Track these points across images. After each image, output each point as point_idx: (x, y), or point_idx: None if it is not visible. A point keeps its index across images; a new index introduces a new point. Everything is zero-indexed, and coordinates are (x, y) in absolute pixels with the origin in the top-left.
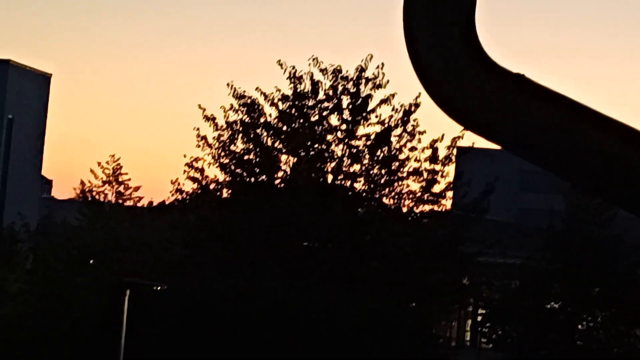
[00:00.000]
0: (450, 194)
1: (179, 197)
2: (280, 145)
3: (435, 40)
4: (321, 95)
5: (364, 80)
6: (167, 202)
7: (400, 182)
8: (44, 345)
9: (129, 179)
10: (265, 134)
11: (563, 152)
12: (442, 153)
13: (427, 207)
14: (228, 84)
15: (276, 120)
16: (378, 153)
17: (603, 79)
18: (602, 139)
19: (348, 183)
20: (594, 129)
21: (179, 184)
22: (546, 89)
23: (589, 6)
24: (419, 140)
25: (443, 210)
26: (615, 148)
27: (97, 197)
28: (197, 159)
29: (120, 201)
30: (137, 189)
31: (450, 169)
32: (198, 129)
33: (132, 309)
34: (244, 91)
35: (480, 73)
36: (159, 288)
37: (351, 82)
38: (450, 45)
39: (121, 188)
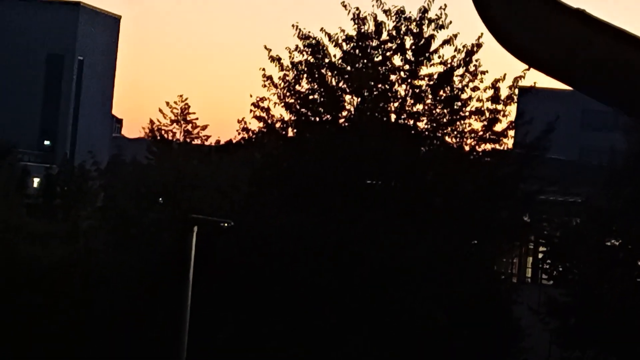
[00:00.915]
0: (512, 133)
1: (245, 135)
2: (344, 85)
3: None
4: (384, 36)
5: (426, 21)
6: (233, 141)
7: (462, 121)
8: (114, 281)
9: (197, 118)
10: (329, 74)
11: (625, 85)
12: (504, 93)
13: (489, 146)
14: (293, 25)
15: (340, 60)
16: (441, 93)
17: None
18: None
19: (411, 122)
20: None
21: (245, 123)
22: (607, 24)
23: None
24: (481, 80)
25: (505, 149)
26: None
27: (165, 136)
28: (262, 99)
29: (188, 140)
30: (204, 127)
31: (512, 109)
32: (264, 70)
33: (199, 245)
34: (309, 32)
35: (541, 9)
36: (226, 225)
37: (414, 23)
38: None
39: (189, 127)
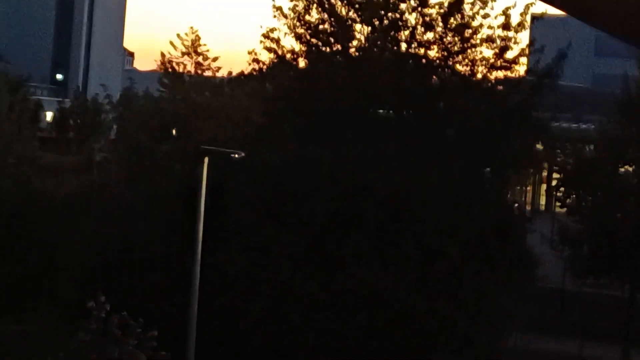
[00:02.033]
0: (523, 60)
1: (257, 67)
2: (355, 15)
3: None
4: None
5: None
6: (245, 73)
7: (473, 50)
8: (127, 211)
9: (208, 50)
10: (339, 3)
11: (632, 13)
12: (515, 20)
13: (500, 74)
14: None
15: None
16: (451, 21)
17: None
18: None
19: (422, 51)
20: None
21: (255, 55)
22: None
23: None
24: (492, 8)
25: (517, 76)
26: None
27: (177, 68)
28: (273, 30)
29: (200, 72)
30: (215, 59)
31: (524, 36)
32: (274, 0)
33: (211, 177)
34: None
35: None
36: (236, 155)
37: None
38: None
39: (200, 59)
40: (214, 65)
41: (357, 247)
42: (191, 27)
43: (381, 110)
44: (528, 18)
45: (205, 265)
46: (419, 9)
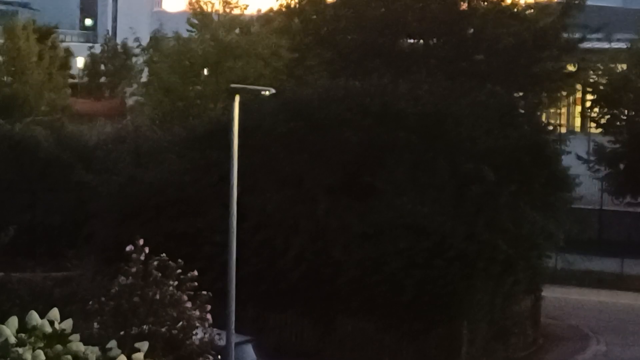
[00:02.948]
0: None
1: (283, 3)
2: None
3: None
4: None
5: None
6: (273, 10)
7: None
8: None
9: None
10: None
11: None
12: None
13: None
14: None
15: None
16: None
17: None
18: None
19: None
20: None
21: None
22: None
23: None
24: None
25: (545, 0)
26: None
27: (204, 7)
28: None
29: (228, 10)
30: None
31: None
32: None
33: (242, 115)
34: None
35: None
36: (267, 92)
37: None
38: None
39: None
40: (241, 2)
41: (392, 176)
42: None
43: (409, 39)
44: None
45: (241, 204)
46: None
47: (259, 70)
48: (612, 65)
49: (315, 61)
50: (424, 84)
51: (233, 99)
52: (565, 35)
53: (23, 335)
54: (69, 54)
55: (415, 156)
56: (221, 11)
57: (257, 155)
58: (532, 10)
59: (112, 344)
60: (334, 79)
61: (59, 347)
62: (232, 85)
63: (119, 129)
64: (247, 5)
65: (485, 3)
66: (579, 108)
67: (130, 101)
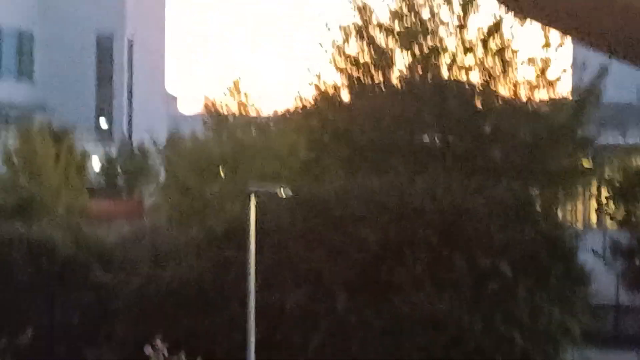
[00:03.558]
0: (566, 78)
1: (300, 104)
2: (394, 43)
3: None
4: None
5: None
6: (289, 110)
7: (515, 72)
8: (179, 255)
9: (251, 90)
10: (378, 34)
11: (608, 20)
12: (555, 39)
13: (544, 94)
14: None
15: (388, 19)
16: (491, 44)
17: None
18: None
19: (463, 76)
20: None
21: (298, 92)
22: None
23: None
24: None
25: (560, 97)
26: None
27: (221, 109)
28: (314, 66)
29: (244, 112)
30: (259, 99)
31: (565, 54)
32: (314, 36)
33: (259, 215)
34: None
35: None
36: (283, 192)
37: None
38: None
39: (243, 99)
40: (257, 104)
41: (410, 271)
42: (232, 67)
43: (425, 136)
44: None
45: (260, 301)
46: (458, 33)
47: (275, 169)
48: (628, 161)
49: (332, 159)
50: (440, 180)
51: (249, 199)
52: (580, 131)
53: None
54: (85, 155)
55: (433, 252)
56: (237, 113)
57: (275, 253)
58: (547, 108)
59: None
60: (351, 176)
61: None
62: (249, 186)
63: (137, 229)
64: (263, 106)
65: (501, 101)
66: (595, 204)
67: (147, 202)
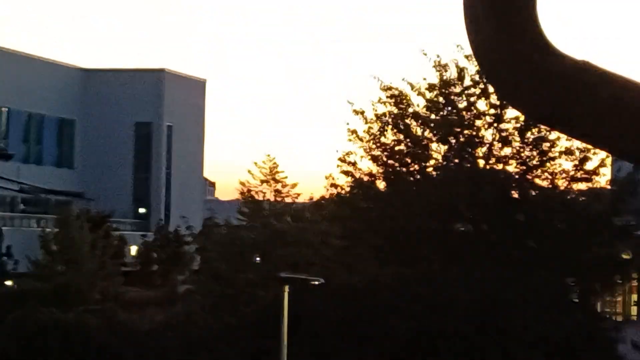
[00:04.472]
0: (604, 170)
1: (335, 191)
2: (430, 134)
3: (500, 35)
4: (467, 82)
5: None
6: (324, 197)
7: (552, 162)
8: (212, 343)
9: (286, 177)
10: (414, 123)
11: (632, 133)
12: None
13: (581, 186)
14: (375, 77)
15: (424, 109)
16: (528, 135)
17: None
18: None
19: (500, 166)
20: None
21: (333, 179)
22: (611, 73)
23: None
24: None
25: (598, 187)
26: None
27: (256, 196)
28: (349, 153)
29: (279, 199)
30: (294, 186)
31: None
32: (348, 124)
33: (292, 303)
34: (391, 83)
35: (546, 62)
36: (316, 282)
37: None
38: (515, 38)
39: (279, 186)
40: (292, 191)
41: None
42: (268, 155)
43: (460, 225)
44: None
45: None
46: (495, 124)
47: (309, 257)
48: None
49: (365, 248)
50: (474, 270)
51: (283, 288)
52: (618, 221)
53: None
54: (122, 242)
55: (467, 343)
56: (272, 199)
57: (307, 343)
58: (584, 198)
59: None
60: (383, 265)
61: None
62: (282, 275)
63: (170, 316)
64: (298, 194)
65: (538, 191)
66: (635, 296)
67: (181, 289)
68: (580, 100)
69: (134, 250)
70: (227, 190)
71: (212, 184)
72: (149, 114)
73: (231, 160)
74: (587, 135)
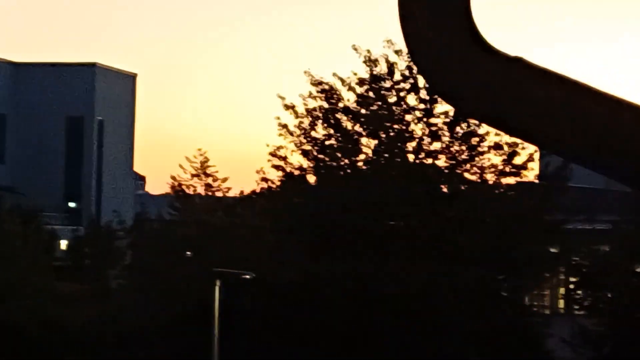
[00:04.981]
0: (532, 164)
1: (265, 185)
2: (360, 129)
3: (434, 29)
4: (397, 77)
5: None
6: (255, 192)
7: (481, 157)
8: (145, 338)
9: (217, 171)
10: (344, 118)
11: (565, 129)
12: None
13: (510, 180)
14: (305, 72)
15: (355, 104)
16: (457, 130)
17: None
18: (604, 113)
19: (429, 161)
20: (594, 104)
21: (264, 173)
22: (545, 70)
23: None
24: None
25: (526, 181)
26: (619, 120)
27: (187, 190)
28: (279, 148)
29: (210, 193)
30: (224, 180)
31: None
32: (279, 118)
33: (224, 298)
34: (321, 78)
35: (479, 58)
36: (247, 277)
37: None
38: (449, 32)
39: (210, 180)
40: (223, 185)
41: (378, 358)
42: (199, 149)
43: (391, 221)
44: None
45: None
46: (425, 119)
47: (241, 252)
48: (595, 247)
49: (297, 243)
50: (406, 265)
51: (215, 282)
52: (548, 217)
53: None
54: (53, 237)
55: (399, 339)
56: (203, 193)
57: (240, 338)
58: (513, 192)
59: None
60: (317, 261)
61: None
62: (214, 269)
63: (103, 311)
64: (229, 188)
65: (467, 186)
66: (562, 290)
67: (113, 284)
68: (513, 97)
69: (64, 244)
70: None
71: (143, 178)
72: (80, 108)
73: (162, 154)
74: (519, 132)
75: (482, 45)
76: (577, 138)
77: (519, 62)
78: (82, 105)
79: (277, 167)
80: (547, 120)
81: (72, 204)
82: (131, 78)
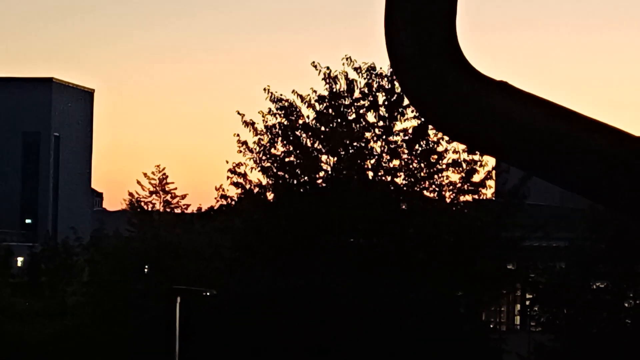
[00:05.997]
0: (490, 182)
1: (224, 202)
2: (320, 146)
3: (418, 52)
4: (357, 94)
5: None
6: (214, 208)
7: (440, 174)
8: (102, 355)
9: (175, 188)
10: (304, 135)
11: (547, 153)
12: None
13: (468, 197)
14: (265, 89)
15: (314, 121)
16: (416, 147)
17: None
18: (587, 139)
19: (389, 178)
20: (578, 130)
21: (223, 190)
22: (529, 94)
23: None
24: None
25: (484, 199)
26: (602, 146)
27: (145, 207)
28: (239, 164)
29: (168, 209)
30: (183, 197)
31: (490, 158)
32: (238, 135)
33: (184, 315)
34: (281, 95)
35: (463, 82)
36: (208, 293)
37: (385, 79)
38: (433, 56)
39: (168, 197)
40: (182, 202)
41: None
42: (157, 166)
43: (350, 238)
44: None
45: None
46: (384, 136)
47: (200, 268)
48: (551, 264)
49: (257, 260)
50: (365, 282)
51: (174, 300)
52: (504, 233)
53: None
54: (9, 253)
55: (358, 356)
56: (161, 210)
57: (200, 356)
58: (470, 211)
59: None
60: (275, 277)
61: None
62: (174, 286)
63: (60, 328)
64: (188, 205)
65: (424, 202)
66: (519, 306)
67: (71, 300)
68: (496, 121)
69: (20, 261)
70: (115, 201)
71: (100, 195)
72: (37, 123)
73: (120, 170)
74: (505, 157)
75: (466, 69)
76: (561, 163)
77: (503, 86)
78: (38, 120)
79: (236, 184)
80: (531, 144)
81: (28, 220)
82: (89, 94)
